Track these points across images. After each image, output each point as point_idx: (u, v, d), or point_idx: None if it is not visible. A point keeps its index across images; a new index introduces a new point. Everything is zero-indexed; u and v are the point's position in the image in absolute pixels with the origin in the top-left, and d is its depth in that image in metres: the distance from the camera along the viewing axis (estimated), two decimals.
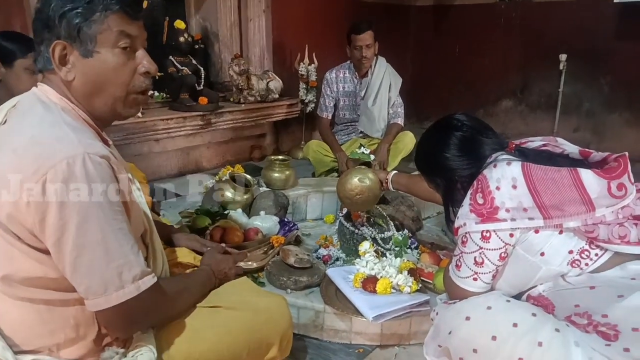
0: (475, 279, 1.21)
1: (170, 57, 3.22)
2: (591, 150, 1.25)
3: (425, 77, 5.41)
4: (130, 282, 0.91)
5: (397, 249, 2.13)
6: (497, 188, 1.15)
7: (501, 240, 1.16)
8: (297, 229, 2.30)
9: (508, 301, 1.17)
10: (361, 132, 3.37)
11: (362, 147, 2.84)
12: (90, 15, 0.94)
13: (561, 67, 4.36)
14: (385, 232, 2.15)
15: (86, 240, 0.88)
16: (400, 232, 2.22)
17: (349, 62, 3.33)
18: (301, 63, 3.98)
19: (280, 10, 3.99)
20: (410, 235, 2.24)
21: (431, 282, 1.79)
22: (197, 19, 3.83)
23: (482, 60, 4.96)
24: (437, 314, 1.28)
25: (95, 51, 0.96)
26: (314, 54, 4.00)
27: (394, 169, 3.16)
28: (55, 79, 1.00)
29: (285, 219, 2.38)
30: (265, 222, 2.21)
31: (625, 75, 4.10)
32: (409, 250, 2.16)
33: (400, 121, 3.31)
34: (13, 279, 0.93)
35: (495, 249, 1.17)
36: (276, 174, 2.67)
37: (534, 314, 1.10)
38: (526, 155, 1.23)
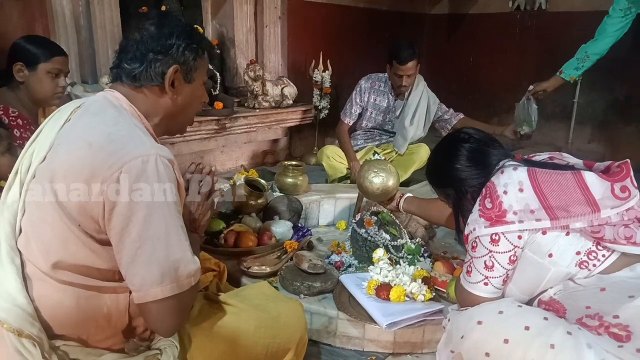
0: (486, 284, 1.23)
1: None
2: (594, 162, 1.29)
3: (440, 86, 5.35)
4: (184, 277, 0.97)
5: (409, 257, 2.13)
6: (505, 192, 1.19)
7: (510, 242, 1.19)
8: (311, 235, 2.31)
9: (520, 306, 1.19)
10: (382, 141, 3.38)
11: (377, 154, 2.85)
12: (200, 52, 1.14)
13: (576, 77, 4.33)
14: (398, 240, 2.15)
15: (150, 233, 0.94)
16: (413, 240, 2.22)
17: (387, 74, 3.23)
18: (315, 70, 4.00)
19: (296, 17, 4.03)
20: (422, 243, 2.24)
21: (445, 291, 1.78)
22: (213, 25, 3.87)
23: (496, 69, 4.95)
24: (449, 321, 1.30)
25: (193, 79, 1.15)
26: (328, 61, 4.02)
27: (406, 179, 3.18)
28: (146, 91, 1.11)
29: (299, 224, 2.39)
30: (279, 227, 2.23)
31: None
32: (421, 259, 2.16)
33: (461, 115, 3.32)
34: (63, 265, 0.98)
35: (504, 252, 1.20)
36: (289, 179, 2.69)
37: (545, 318, 1.12)
38: (532, 164, 1.27)
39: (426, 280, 1.78)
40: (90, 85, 2.83)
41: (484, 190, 1.25)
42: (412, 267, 1.86)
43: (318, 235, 2.46)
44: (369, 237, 2.09)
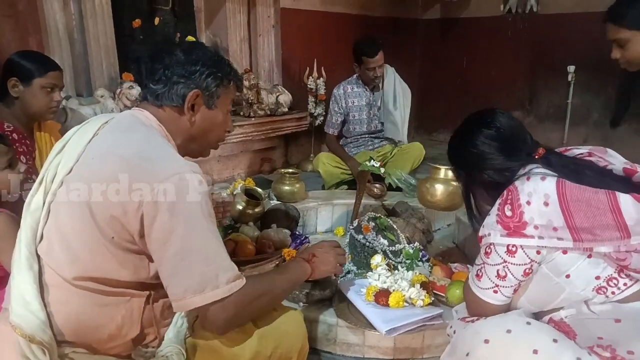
0: (495, 292, 1.17)
1: None
2: (636, 168, 1.16)
3: (433, 89, 5.43)
4: (224, 283, 1.02)
5: (408, 261, 2.13)
6: (528, 202, 1.10)
7: (527, 256, 1.11)
8: (309, 242, 2.30)
9: (528, 323, 1.13)
10: (375, 145, 3.39)
11: (372, 160, 2.84)
12: (225, 81, 1.20)
13: (569, 79, 4.36)
14: (396, 245, 2.16)
15: (191, 245, 0.99)
16: (411, 245, 2.22)
17: (355, 76, 3.34)
18: (310, 77, 4.03)
19: (289, 25, 4.05)
20: (421, 247, 2.24)
21: (444, 295, 1.78)
22: (207, 35, 3.89)
23: (490, 72, 4.98)
24: (454, 332, 1.25)
25: (215, 106, 1.20)
26: (322, 68, 4.04)
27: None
28: (168, 111, 1.16)
29: (297, 232, 2.39)
30: (277, 235, 2.22)
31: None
32: (420, 263, 2.16)
33: None
34: (86, 276, 1.02)
35: (520, 264, 1.13)
36: (286, 187, 2.69)
37: (555, 340, 1.07)
38: (551, 164, 1.17)
39: (425, 285, 1.78)
40: (85, 98, 2.83)
41: (505, 193, 1.14)
42: (410, 272, 1.87)
43: (316, 242, 2.46)
44: (367, 243, 2.10)
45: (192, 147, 1.22)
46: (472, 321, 1.21)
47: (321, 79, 4.02)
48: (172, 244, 0.97)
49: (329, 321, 1.69)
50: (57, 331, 1.01)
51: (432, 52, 5.44)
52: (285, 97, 3.79)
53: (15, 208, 1.45)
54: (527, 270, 1.14)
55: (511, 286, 1.16)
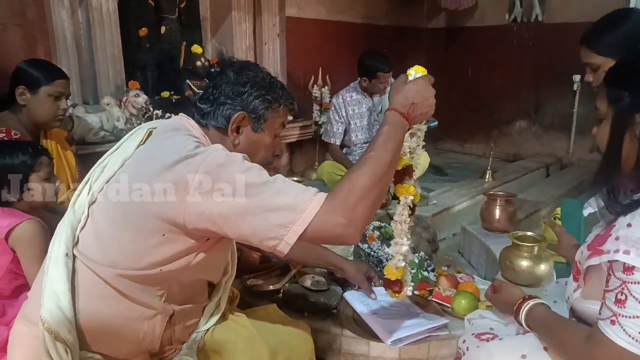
0: None
1: (188, 81, 3.29)
2: None
3: (438, 99, 5.40)
4: (310, 199, 0.96)
5: (413, 271, 2.12)
6: None
7: None
8: None
9: (545, 349, 1.05)
10: None
11: None
12: (275, 104, 1.18)
13: (575, 88, 4.36)
14: None
15: (255, 207, 0.95)
16: (416, 254, 2.21)
17: (354, 84, 3.39)
18: (315, 85, 4.03)
19: (295, 34, 4.07)
20: (426, 257, 2.23)
21: (449, 305, 1.77)
22: (213, 44, 3.91)
23: (495, 81, 4.98)
24: (467, 348, 1.20)
25: (261, 130, 1.18)
26: (327, 77, 4.06)
27: None
28: (212, 131, 1.17)
29: None
30: None
31: None
32: (425, 273, 2.14)
33: None
34: (125, 274, 1.03)
35: None
36: None
37: None
38: None
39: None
40: (92, 106, 2.85)
41: None
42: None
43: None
44: (372, 252, 2.09)
45: None
46: (487, 340, 1.18)
47: (326, 87, 4.04)
48: (238, 222, 0.96)
49: (334, 331, 1.68)
50: (79, 333, 1.01)
51: (437, 61, 5.43)
52: None
53: (43, 216, 1.48)
54: None
55: None
